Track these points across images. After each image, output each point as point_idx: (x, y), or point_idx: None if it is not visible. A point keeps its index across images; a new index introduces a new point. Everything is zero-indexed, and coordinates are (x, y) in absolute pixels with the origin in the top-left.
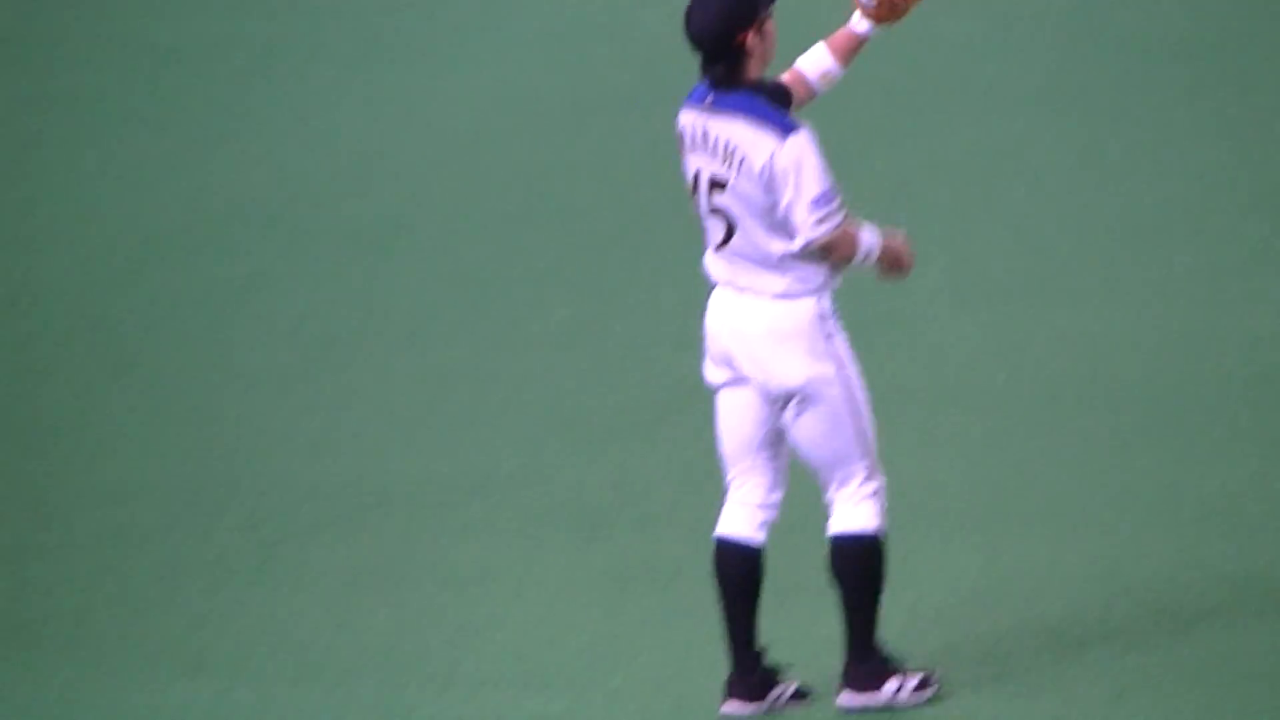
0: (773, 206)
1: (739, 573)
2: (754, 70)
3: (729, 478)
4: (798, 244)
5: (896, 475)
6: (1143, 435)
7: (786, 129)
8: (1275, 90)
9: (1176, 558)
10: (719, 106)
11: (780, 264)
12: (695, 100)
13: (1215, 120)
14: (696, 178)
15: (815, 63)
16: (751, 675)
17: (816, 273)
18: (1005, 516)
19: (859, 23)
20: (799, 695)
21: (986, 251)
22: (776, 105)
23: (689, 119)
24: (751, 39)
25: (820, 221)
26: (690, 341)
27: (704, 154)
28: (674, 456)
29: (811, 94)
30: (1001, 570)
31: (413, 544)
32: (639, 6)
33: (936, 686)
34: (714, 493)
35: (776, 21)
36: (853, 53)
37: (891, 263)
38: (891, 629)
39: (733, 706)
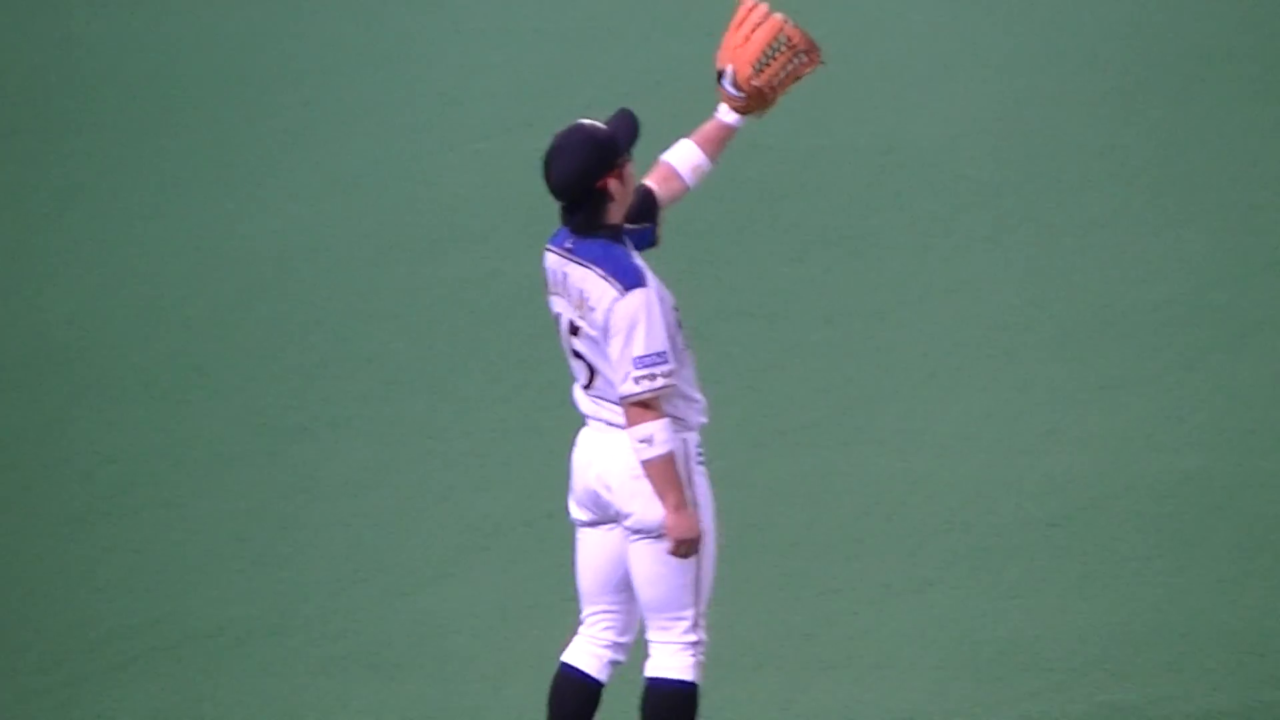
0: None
1: (573, 704)
2: (614, 214)
3: (582, 614)
4: (618, 396)
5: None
6: (942, 576)
7: (630, 285)
8: (1074, 232)
9: (975, 699)
10: (577, 253)
11: None
12: (557, 243)
13: (1016, 263)
14: (558, 319)
15: (685, 157)
16: None
17: (680, 413)
18: (804, 659)
19: (726, 114)
20: None
21: (785, 393)
22: (630, 254)
23: (553, 261)
24: (613, 185)
25: (637, 380)
26: (488, 484)
27: (564, 298)
28: (472, 599)
29: (684, 188)
30: (800, 714)
31: (213, 684)
32: (437, 150)
33: None
34: (510, 636)
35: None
36: (722, 144)
37: (666, 493)
38: None
39: None
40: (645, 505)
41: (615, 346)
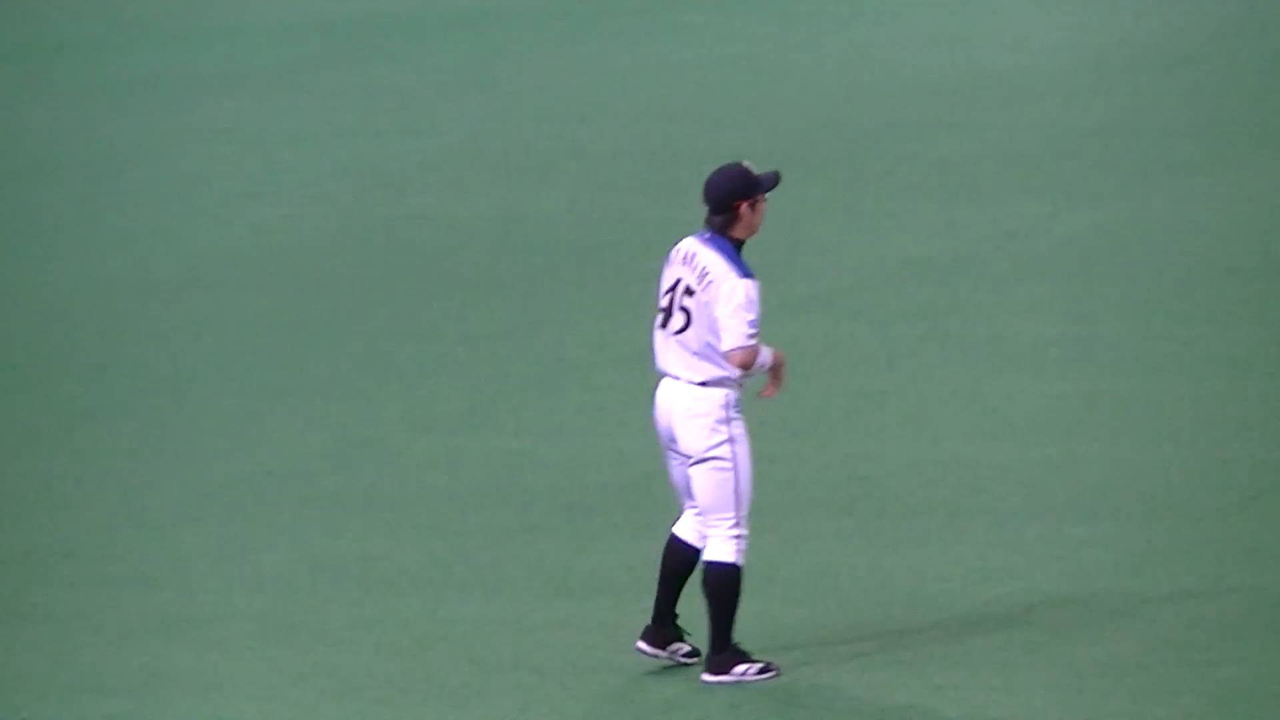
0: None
1: (675, 561)
2: (740, 230)
3: (682, 505)
4: (724, 346)
5: None
6: (549, 523)
7: (745, 275)
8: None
9: (564, 618)
10: (711, 245)
11: (707, 356)
12: (698, 235)
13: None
14: (675, 284)
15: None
16: (663, 628)
17: (729, 371)
18: (449, 582)
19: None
20: (690, 655)
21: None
22: (744, 260)
23: (687, 244)
24: (744, 208)
25: (749, 337)
26: None
27: (685, 269)
28: None
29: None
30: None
31: None
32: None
33: (775, 673)
34: None
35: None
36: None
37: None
38: None
39: (643, 645)
40: (694, 439)
41: (726, 309)
